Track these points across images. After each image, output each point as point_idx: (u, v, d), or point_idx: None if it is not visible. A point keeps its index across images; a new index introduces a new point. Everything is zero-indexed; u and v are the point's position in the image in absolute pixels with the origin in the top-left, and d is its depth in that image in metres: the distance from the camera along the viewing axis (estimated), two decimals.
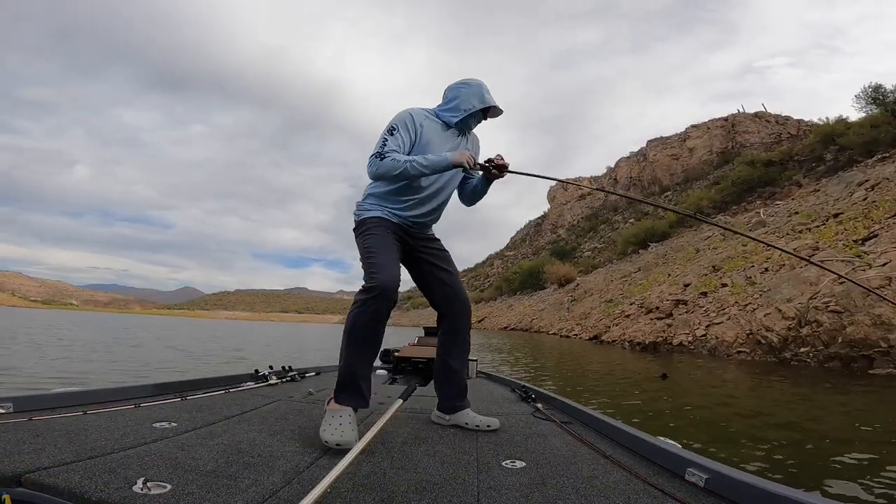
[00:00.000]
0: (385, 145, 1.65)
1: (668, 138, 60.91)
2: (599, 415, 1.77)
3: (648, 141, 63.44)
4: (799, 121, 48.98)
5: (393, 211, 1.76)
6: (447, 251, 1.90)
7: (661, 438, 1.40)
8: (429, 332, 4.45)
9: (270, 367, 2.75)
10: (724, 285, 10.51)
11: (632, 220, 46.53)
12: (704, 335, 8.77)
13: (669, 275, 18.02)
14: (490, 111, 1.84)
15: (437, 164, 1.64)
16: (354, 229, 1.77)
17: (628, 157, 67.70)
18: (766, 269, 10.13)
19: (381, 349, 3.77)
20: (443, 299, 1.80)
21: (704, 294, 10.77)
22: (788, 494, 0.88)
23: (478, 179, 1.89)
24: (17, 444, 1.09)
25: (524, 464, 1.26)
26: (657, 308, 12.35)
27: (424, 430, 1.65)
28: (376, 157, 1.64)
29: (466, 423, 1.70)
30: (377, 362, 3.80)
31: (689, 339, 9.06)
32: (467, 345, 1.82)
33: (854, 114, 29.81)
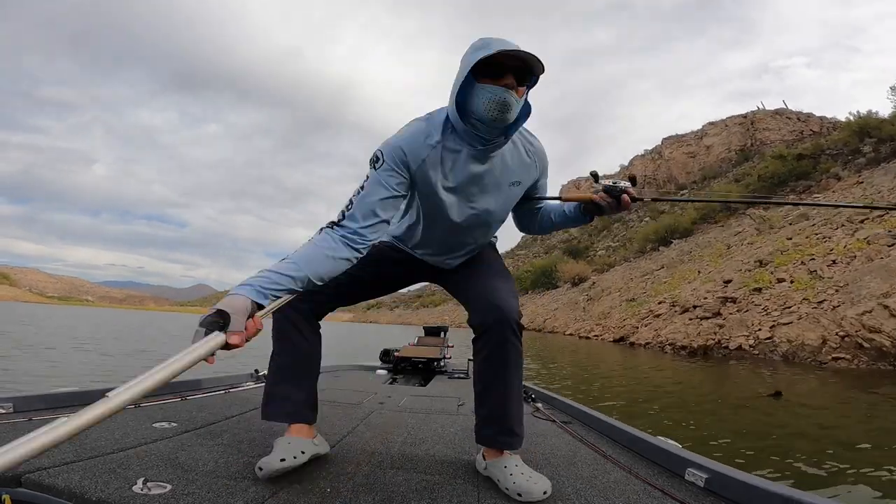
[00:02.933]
0: (349, 207, 1.04)
1: (684, 136, 59.46)
2: (599, 415, 1.73)
3: (664, 139, 61.53)
4: (821, 118, 47.27)
5: (410, 247, 1.29)
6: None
7: (661, 438, 1.37)
8: (429, 331, 4.36)
9: None
10: (781, 280, 9.04)
11: (647, 219, 45.04)
12: (770, 337, 7.30)
13: (700, 272, 16.76)
14: (516, 65, 0.97)
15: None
16: None
17: (643, 155, 65.87)
18: (834, 262, 8.64)
19: (382, 349, 3.81)
20: (469, 304, 1.22)
21: (758, 290, 9.27)
22: (788, 494, 0.87)
23: (570, 207, 1.29)
24: None
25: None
26: (696, 307, 10.89)
27: (424, 430, 1.61)
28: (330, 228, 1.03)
29: (499, 480, 1.09)
30: (377, 362, 3.77)
31: (751, 341, 7.59)
32: (511, 363, 1.14)
33: (885, 108, 28.64)
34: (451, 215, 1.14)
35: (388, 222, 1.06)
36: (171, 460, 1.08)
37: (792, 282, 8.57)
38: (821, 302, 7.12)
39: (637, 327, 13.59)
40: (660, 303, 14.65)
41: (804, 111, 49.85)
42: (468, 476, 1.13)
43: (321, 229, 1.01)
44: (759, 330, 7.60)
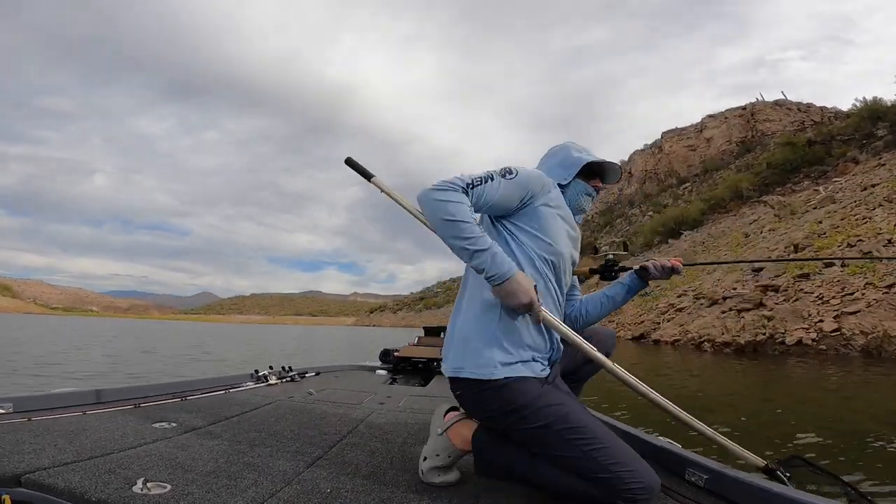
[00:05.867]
0: (482, 183, 1.02)
1: (684, 129, 59.09)
2: (597, 414, 1.62)
3: (664, 132, 60.87)
4: (822, 108, 46.45)
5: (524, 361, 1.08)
6: None
7: (661, 438, 1.35)
8: (429, 332, 4.32)
9: (270, 368, 2.66)
10: (830, 265, 8.00)
11: (650, 213, 44.12)
12: (838, 329, 6.27)
13: None
14: (599, 175, 1.26)
15: (494, 267, 0.95)
16: (482, 390, 1.00)
17: (643, 150, 65.28)
18: (890, 241, 7.62)
19: (381, 349, 3.81)
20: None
21: (804, 276, 8.24)
22: (786, 493, 0.86)
23: (622, 287, 1.33)
24: (16, 444, 1.08)
25: None
26: (726, 298, 9.87)
27: (424, 430, 1.59)
28: (455, 186, 0.98)
29: None
30: (377, 362, 3.71)
31: (813, 335, 6.55)
32: None
33: (888, 94, 29.05)
34: None
35: None
36: (171, 460, 1.08)
37: (844, 265, 7.56)
38: (891, 286, 6.12)
39: (658, 323, 12.58)
40: (680, 296, 13.66)
41: (804, 102, 49.22)
42: (467, 476, 1.12)
43: None
44: (821, 321, 6.57)
